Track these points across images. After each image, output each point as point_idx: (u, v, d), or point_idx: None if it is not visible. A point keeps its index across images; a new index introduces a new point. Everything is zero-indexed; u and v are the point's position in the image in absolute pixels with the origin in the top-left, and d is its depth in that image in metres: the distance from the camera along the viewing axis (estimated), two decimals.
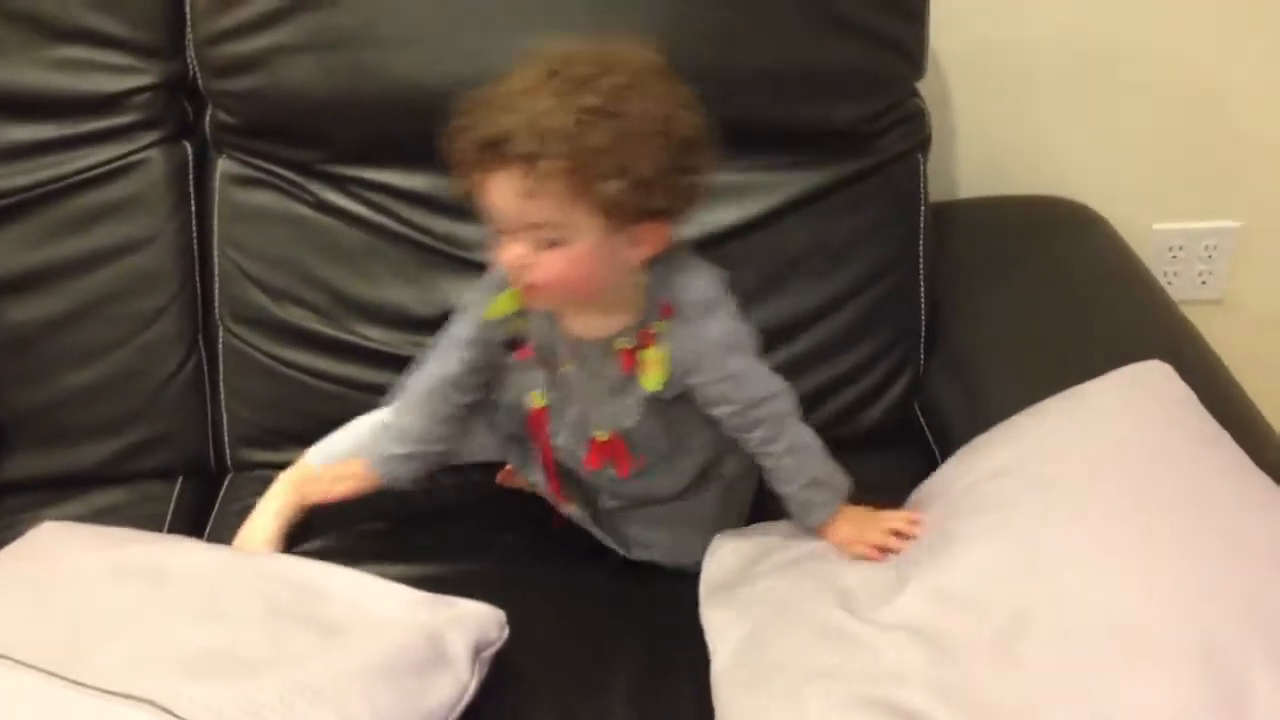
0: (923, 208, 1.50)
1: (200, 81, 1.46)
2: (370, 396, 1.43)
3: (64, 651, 1.07)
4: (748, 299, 1.45)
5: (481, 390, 1.31)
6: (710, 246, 1.45)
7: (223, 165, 1.48)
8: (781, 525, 1.31)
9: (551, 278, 1.12)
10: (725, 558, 1.29)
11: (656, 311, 1.19)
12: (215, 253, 1.49)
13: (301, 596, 1.19)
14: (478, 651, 1.17)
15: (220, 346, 1.50)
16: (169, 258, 1.48)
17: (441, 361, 1.29)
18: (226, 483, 1.50)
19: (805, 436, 1.26)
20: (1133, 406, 1.20)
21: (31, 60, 1.43)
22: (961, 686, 1.01)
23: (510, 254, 1.12)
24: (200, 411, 1.51)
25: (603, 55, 1.11)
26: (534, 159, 1.05)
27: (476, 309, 1.26)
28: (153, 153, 1.47)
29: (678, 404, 1.25)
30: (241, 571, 1.22)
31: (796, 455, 1.25)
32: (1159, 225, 1.81)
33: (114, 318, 1.47)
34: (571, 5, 1.42)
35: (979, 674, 1.02)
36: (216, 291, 1.49)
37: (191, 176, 1.49)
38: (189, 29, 1.45)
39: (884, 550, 1.22)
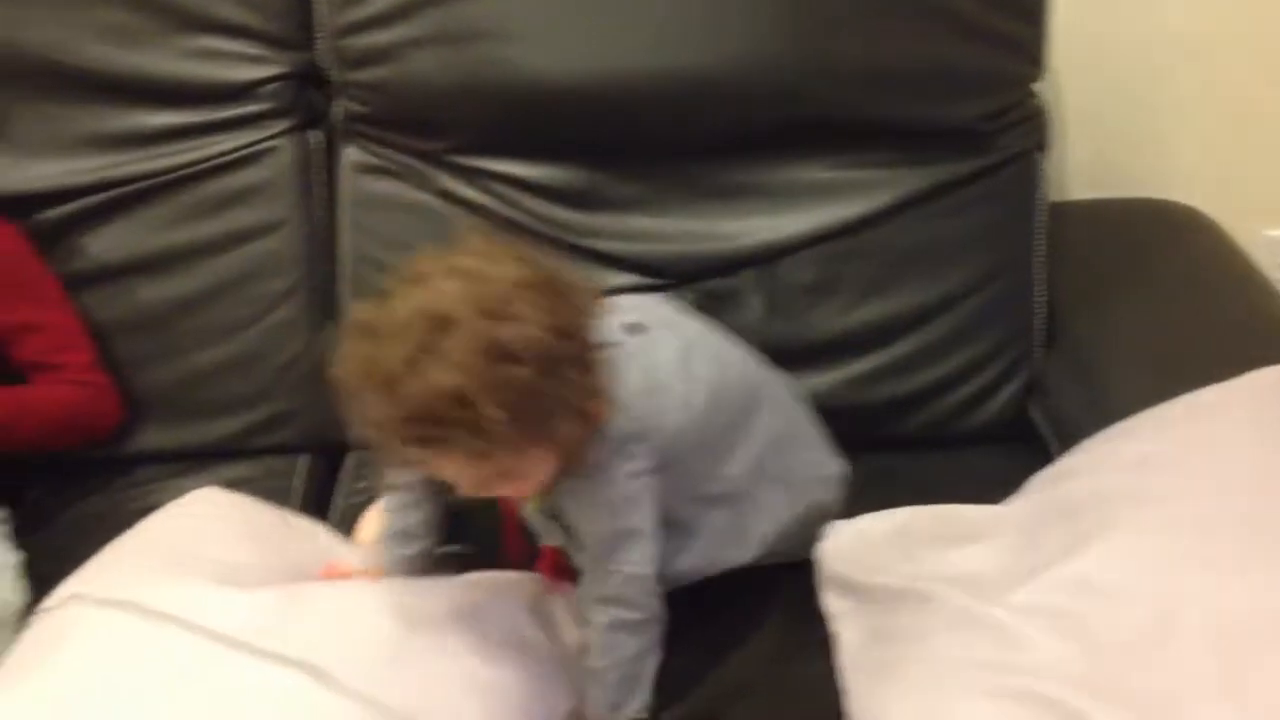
0: (1040, 208, 1.51)
1: (330, 72, 1.50)
2: None
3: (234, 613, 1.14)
4: (862, 294, 1.49)
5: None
6: (823, 242, 1.49)
7: (350, 154, 1.52)
8: (899, 513, 1.33)
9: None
10: (842, 544, 1.31)
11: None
12: (341, 238, 1.53)
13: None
14: None
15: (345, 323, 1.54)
16: (296, 242, 1.52)
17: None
18: (348, 460, 1.55)
19: (629, 647, 1.19)
20: (1261, 412, 1.20)
21: (169, 49, 1.48)
22: (1107, 679, 1.03)
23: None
24: (325, 391, 1.53)
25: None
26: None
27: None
28: (282, 141, 1.51)
29: None
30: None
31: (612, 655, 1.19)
32: (1269, 231, 1.80)
33: (243, 299, 1.52)
34: (691, 4, 1.44)
35: (1125, 667, 1.03)
36: (343, 276, 1.53)
37: (319, 164, 1.53)
38: (319, 20, 1.49)
39: None
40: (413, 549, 1.29)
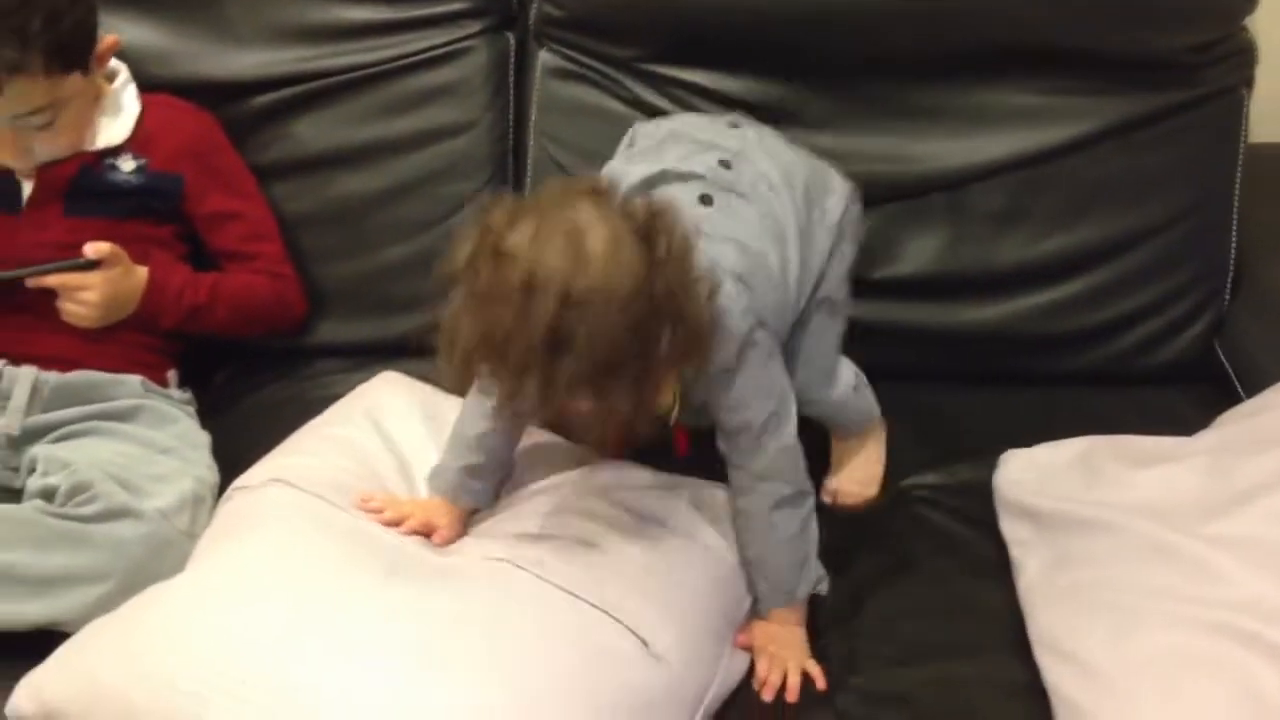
0: (1241, 146, 1.48)
1: None
2: None
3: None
4: (1052, 223, 1.48)
5: None
6: (1019, 168, 1.48)
7: (543, 58, 1.53)
8: (1078, 442, 1.32)
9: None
10: (1020, 471, 1.31)
11: None
12: (530, 141, 1.54)
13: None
14: None
15: None
16: (485, 143, 1.54)
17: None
18: None
19: (792, 524, 1.21)
20: None
21: None
22: None
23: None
24: None
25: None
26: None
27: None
28: (477, 41, 1.53)
29: None
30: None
31: (771, 533, 1.21)
32: None
33: (431, 197, 1.54)
34: None
35: None
36: (528, 179, 1.54)
37: (512, 66, 1.54)
38: None
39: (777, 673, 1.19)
40: (482, 483, 1.27)
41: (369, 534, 1.19)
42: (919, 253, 1.48)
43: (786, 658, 1.19)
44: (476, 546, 1.21)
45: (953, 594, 1.26)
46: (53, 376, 1.37)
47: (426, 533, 1.23)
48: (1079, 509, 1.22)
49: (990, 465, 1.34)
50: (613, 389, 1.03)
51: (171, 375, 1.45)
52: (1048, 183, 1.47)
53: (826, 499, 1.37)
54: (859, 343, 1.37)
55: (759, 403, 1.18)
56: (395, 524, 1.22)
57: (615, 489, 1.28)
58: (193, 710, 1.02)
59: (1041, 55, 1.46)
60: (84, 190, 1.40)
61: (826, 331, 1.30)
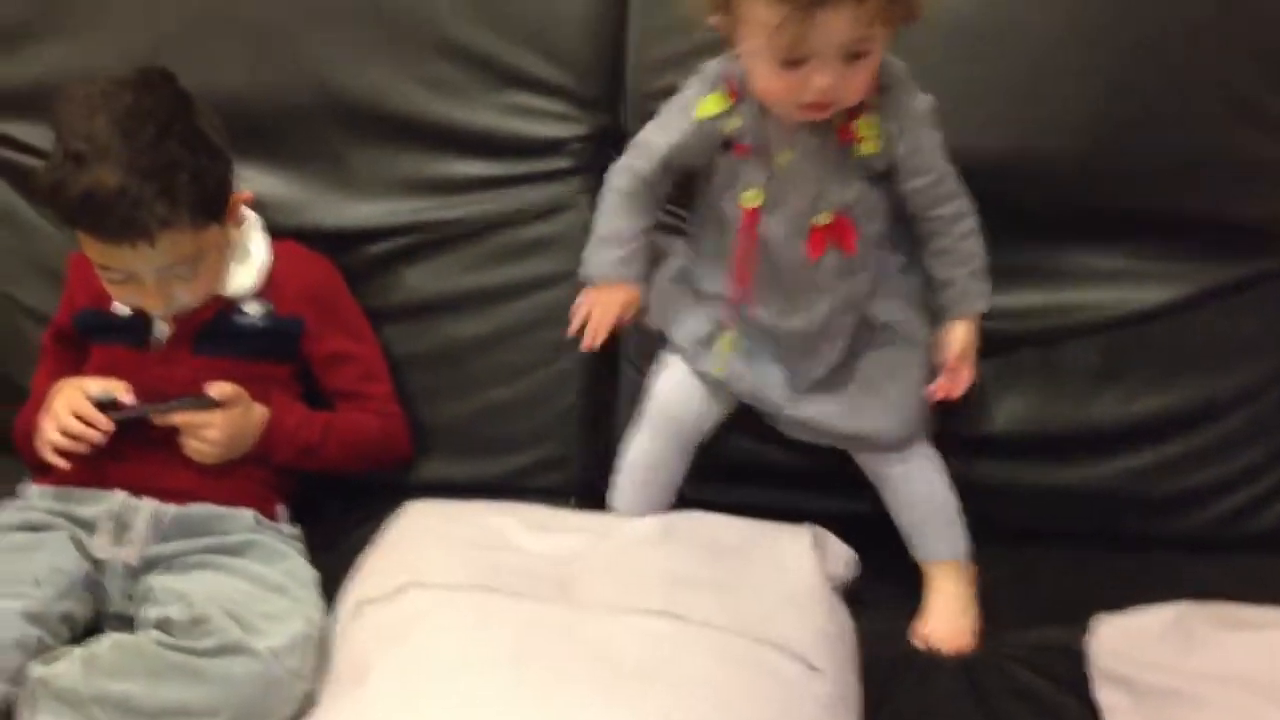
0: None
1: (631, 134, 1.54)
2: (766, 445, 1.51)
3: (554, 589, 1.23)
4: (1146, 384, 1.50)
5: (669, 186, 1.42)
6: (1109, 329, 1.50)
7: None
8: (1170, 608, 1.31)
9: (859, 90, 1.28)
10: (1115, 638, 1.31)
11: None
12: None
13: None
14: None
15: (622, 381, 1.61)
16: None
17: (641, 159, 1.41)
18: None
19: (981, 244, 1.38)
20: None
21: (487, 104, 1.57)
22: None
23: (824, 80, 1.24)
24: (597, 439, 1.62)
25: None
26: None
27: (683, 114, 1.37)
28: (580, 198, 1.59)
29: (886, 186, 1.36)
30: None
31: (976, 238, 1.37)
32: None
33: (531, 343, 1.59)
34: (991, 83, 1.47)
35: None
36: (626, 330, 1.55)
37: None
38: (627, 84, 1.56)
39: None
40: (626, 250, 1.42)
41: (526, 611, 1.23)
42: (1012, 410, 1.50)
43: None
44: (623, 601, 1.25)
45: None
46: (171, 509, 1.42)
47: (616, 315, 1.40)
48: (1174, 680, 1.22)
49: (1082, 627, 1.33)
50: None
51: (281, 510, 1.50)
52: (1145, 344, 1.49)
53: (919, 644, 1.38)
54: None
55: (945, 161, 1.35)
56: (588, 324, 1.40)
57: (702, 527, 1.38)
58: None
59: (1145, 220, 1.50)
60: (214, 332, 1.48)
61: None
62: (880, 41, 1.25)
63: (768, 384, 1.43)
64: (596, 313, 1.42)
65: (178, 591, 1.32)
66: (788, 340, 1.41)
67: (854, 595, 1.38)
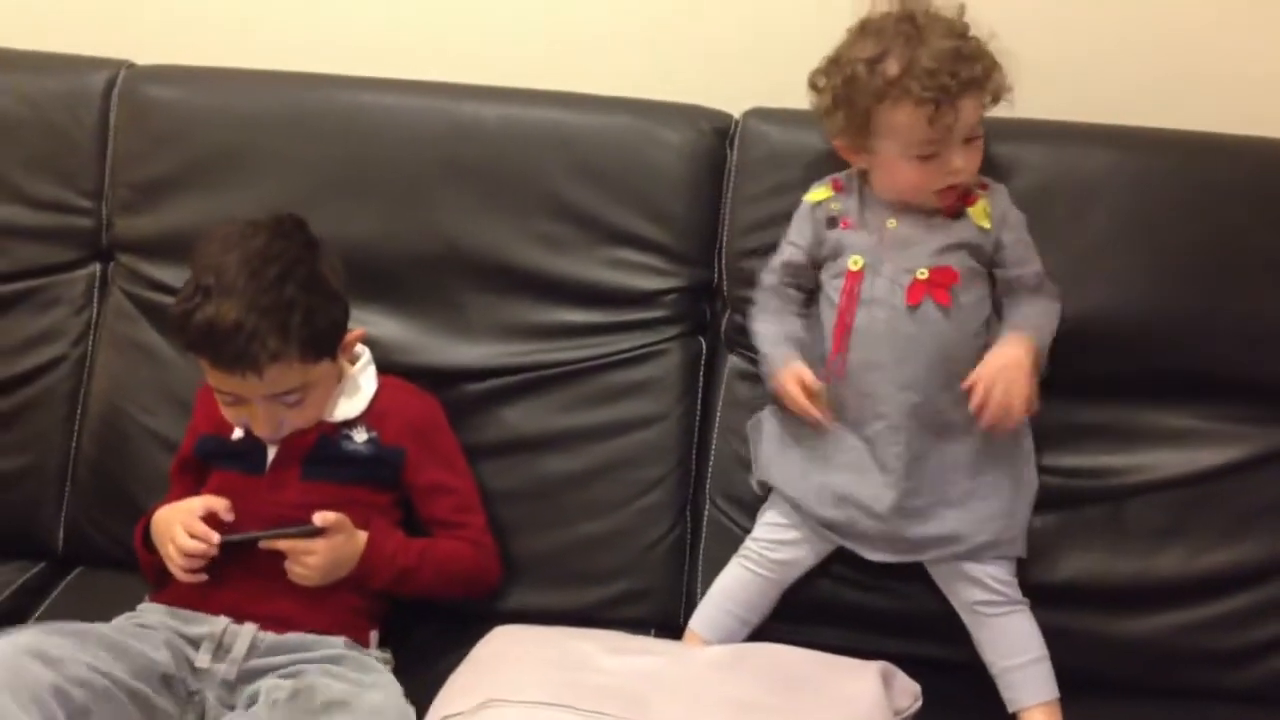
0: None
1: (725, 289, 1.69)
2: (841, 586, 1.59)
3: (627, 706, 1.29)
4: (1211, 540, 1.56)
5: (810, 276, 1.58)
6: (1177, 487, 1.56)
7: (732, 361, 1.70)
8: None
9: (976, 168, 1.51)
10: None
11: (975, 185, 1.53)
12: (714, 436, 1.69)
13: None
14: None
15: (705, 518, 1.69)
16: (674, 435, 1.69)
17: (772, 259, 1.60)
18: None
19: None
20: None
21: (591, 258, 1.69)
22: None
23: (960, 161, 1.47)
24: (679, 573, 1.69)
25: None
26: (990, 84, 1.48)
27: (797, 215, 1.59)
28: (673, 344, 1.70)
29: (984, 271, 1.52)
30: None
31: (1053, 320, 1.52)
32: None
33: (623, 480, 1.68)
34: (1062, 249, 1.57)
35: None
36: (710, 469, 1.69)
37: (703, 368, 1.71)
38: (722, 243, 1.69)
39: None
40: (774, 334, 1.57)
41: None
42: (1077, 561, 1.56)
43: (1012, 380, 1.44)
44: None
45: None
46: (269, 636, 1.50)
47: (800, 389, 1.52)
48: None
49: None
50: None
51: (373, 636, 1.57)
52: (1206, 501, 1.55)
53: None
54: None
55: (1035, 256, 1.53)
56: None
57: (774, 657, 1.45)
58: None
59: (1211, 383, 1.58)
60: (321, 457, 1.57)
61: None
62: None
63: (871, 500, 1.51)
64: (791, 392, 1.53)
65: (286, 687, 1.41)
66: (886, 426, 1.50)
67: None
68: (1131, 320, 1.56)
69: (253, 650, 1.49)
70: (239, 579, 1.53)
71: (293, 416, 1.54)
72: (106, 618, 1.51)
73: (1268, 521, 1.54)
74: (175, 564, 1.51)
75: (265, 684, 1.44)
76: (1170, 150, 1.61)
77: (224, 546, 1.50)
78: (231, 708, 1.46)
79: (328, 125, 1.73)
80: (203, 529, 1.50)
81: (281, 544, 1.50)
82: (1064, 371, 1.57)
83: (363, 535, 1.54)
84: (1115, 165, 1.59)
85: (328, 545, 1.50)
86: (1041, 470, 1.57)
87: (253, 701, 1.43)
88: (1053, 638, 1.52)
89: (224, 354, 1.47)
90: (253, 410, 1.52)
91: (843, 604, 1.60)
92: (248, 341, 1.45)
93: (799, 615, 1.60)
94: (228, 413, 1.55)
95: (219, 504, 1.52)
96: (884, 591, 1.58)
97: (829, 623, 1.60)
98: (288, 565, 1.51)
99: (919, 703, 1.42)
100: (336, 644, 1.50)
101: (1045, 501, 1.57)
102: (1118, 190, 1.58)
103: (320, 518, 1.50)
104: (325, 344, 1.52)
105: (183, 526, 1.50)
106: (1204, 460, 1.56)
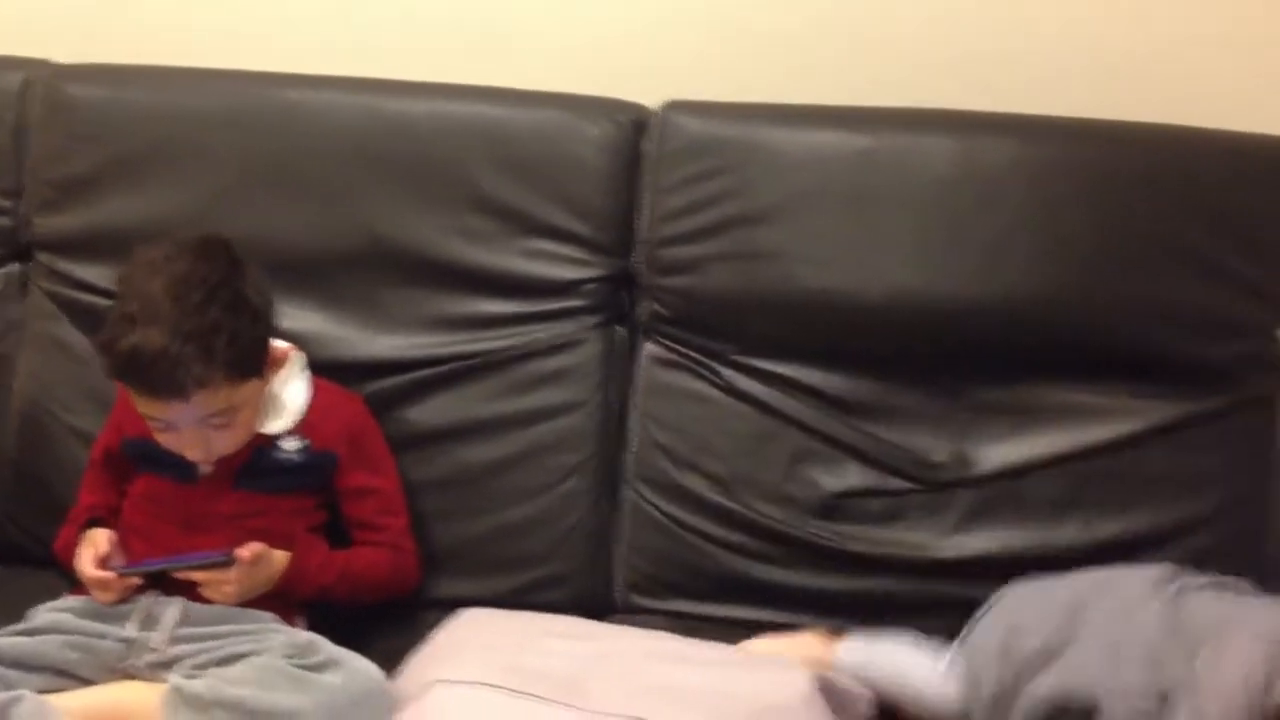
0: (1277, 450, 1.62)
1: (641, 277, 1.73)
2: (757, 564, 1.65)
3: (558, 689, 1.32)
4: (1099, 514, 1.63)
5: None
6: (1072, 461, 1.63)
7: (649, 348, 1.74)
8: None
9: None
10: None
11: None
12: (632, 421, 1.73)
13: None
14: None
15: (625, 502, 1.73)
16: (594, 421, 1.73)
17: None
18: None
19: None
20: None
21: (511, 249, 1.72)
22: None
23: None
24: (600, 557, 1.73)
25: None
26: None
27: None
28: (592, 333, 1.73)
29: None
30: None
31: None
32: None
33: (543, 466, 1.72)
34: (970, 237, 1.64)
35: None
36: (629, 454, 1.73)
37: (621, 356, 1.74)
38: (639, 233, 1.73)
39: None
40: None
41: (527, 709, 1.31)
42: (982, 536, 1.63)
43: None
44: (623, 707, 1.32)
45: None
46: (198, 605, 1.51)
47: None
48: None
49: None
50: None
51: (300, 621, 1.58)
52: (1103, 474, 1.63)
53: None
54: (919, 616, 1.54)
55: None
56: None
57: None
58: None
59: (1102, 360, 1.65)
60: (254, 468, 1.58)
61: None
62: None
63: None
64: None
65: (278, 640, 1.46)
66: None
67: None
68: (1034, 304, 1.62)
69: (183, 620, 1.50)
70: (161, 579, 1.54)
71: (221, 438, 1.53)
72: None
73: (1158, 491, 1.61)
74: (94, 592, 1.53)
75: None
76: (1071, 139, 1.67)
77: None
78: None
79: (251, 121, 1.75)
80: (100, 578, 1.51)
81: (196, 575, 1.51)
82: (967, 354, 1.64)
83: (283, 555, 1.55)
84: (1019, 156, 1.65)
85: (243, 573, 1.51)
86: (943, 450, 1.64)
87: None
88: (961, 609, 1.56)
89: (149, 381, 1.46)
90: (180, 435, 1.51)
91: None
92: (173, 367, 1.44)
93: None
94: (159, 437, 1.54)
95: (105, 548, 1.53)
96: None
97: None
98: (202, 590, 1.52)
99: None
100: (266, 618, 1.51)
101: (950, 480, 1.64)
102: (1022, 180, 1.64)
103: (247, 550, 1.50)
104: (250, 364, 1.52)
105: (85, 579, 1.52)
106: (1099, 434, 1.63)
